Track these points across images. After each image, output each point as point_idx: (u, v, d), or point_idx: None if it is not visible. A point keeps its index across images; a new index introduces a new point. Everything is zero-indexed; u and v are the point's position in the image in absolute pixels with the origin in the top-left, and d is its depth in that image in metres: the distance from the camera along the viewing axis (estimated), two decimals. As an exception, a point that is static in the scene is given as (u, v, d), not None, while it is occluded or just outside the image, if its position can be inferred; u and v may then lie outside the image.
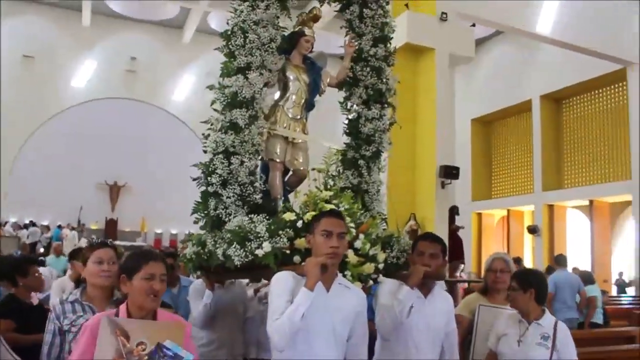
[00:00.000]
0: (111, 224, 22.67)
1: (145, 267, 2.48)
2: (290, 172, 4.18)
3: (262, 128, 3.88)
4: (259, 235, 3.18)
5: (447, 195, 11.24)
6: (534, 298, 3.45)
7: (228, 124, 3.66)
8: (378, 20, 4.43)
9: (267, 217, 3.38)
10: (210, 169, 3.63)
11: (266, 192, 3.94)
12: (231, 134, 3.63)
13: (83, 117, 21.32)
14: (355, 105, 4.33)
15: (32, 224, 20.37)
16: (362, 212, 3.80)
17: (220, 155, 3.62)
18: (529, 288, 3.44)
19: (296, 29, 4.27)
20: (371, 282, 3.38)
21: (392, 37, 4.50)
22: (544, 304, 3.55)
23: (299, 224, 3.31)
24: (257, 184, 3.75)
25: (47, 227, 20.87)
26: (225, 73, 3.81)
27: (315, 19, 4.33)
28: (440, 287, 3.36)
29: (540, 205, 18.90)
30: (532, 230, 19.00)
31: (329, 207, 3.39)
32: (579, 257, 16.70)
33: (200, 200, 3.74)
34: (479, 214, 21.46)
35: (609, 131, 17.88)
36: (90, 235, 19.68)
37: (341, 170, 4.20)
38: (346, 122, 4.43)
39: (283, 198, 3.99)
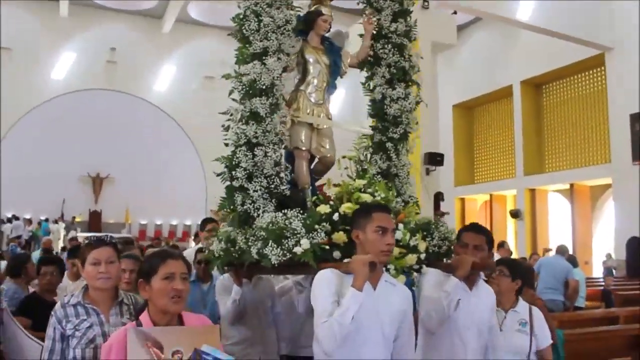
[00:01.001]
0: (95, 216, 22.34)
1: (162, 267, 2.29)
2: (316, 160, 3.96)
3: (285, 116, 3.63)
4: (296, 231, 2.97)
5: (432, 182, 11.41)
6: (517, 289, 3.44)
7: (248, 113, 3.43)
8: None
9: (300, 211, 3.16)
10: (233, 163, 3.41)
11: (292, 183, 3.73)
12: (252, 124, 3.41)
13: (63, 109, 21.01)
14: (378, 86, 4.07)
15: (15, 217, 20.20)
16: (396, 198, 3.62)
17: (243, 148, 3.40)
18: (517, 278, 3.42)
19: (312, 9, 3.99)
20: (415, 274, 3.18)
21: (412, 11, 4.28)
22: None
23: (335, 216, 3.11)
24: (283, 175, 3.53)
25: (30, 221, 20.70)
26: (240, 60, 3.56)
27: None
28: (482, 279, 3.18)
29: (522, 189, 19.08)
30: (515, 214, 19.22)
31: (364, 197, 3.20)
32: (560, 240, 16.96)
33: (225, 196, 3.50)
34: (462, 199, 21.59)
35: (588, 116, 18.09)
36: (76, 228, 19.58)
37: (369, 156, 3.99)
38: (369, 103, 4.19)
39: (311, 187, 3.80)
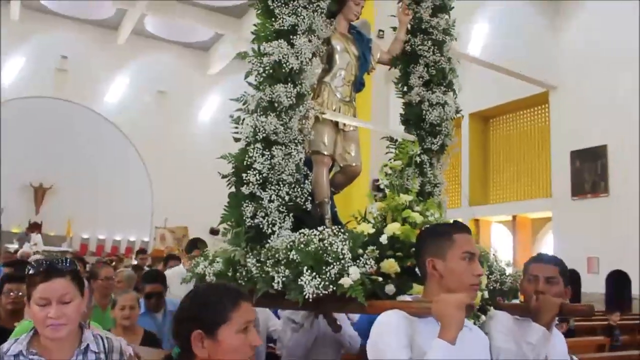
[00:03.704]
0: (35, 227, 21.65)
1: (236, 314, 1.55)
2: (337, 169, 3.27)
3: (312, 110, 2.91)
4: (340, 256, 2.20)
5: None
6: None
7: (268, 103, 2.69)
8: None
9: (341, 230, 2.37)
10: (245, 163, 2.64)
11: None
12: (273, 116, 2.66)
13: (8, 115, 20.14)
14: (415, 87, 3.44)
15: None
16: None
17: (259, 145, 2.64)
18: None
19: None
20: (483, 317, 2.43)
21: (453, 7, 3.72)
22: None
23: (383, 239, 2.37)
24: (306, 185, 2.79)
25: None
26: (262, 37, 2.85)
27: None
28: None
29: (467, 219, 19.43)
30: (459, 243, 19.55)
31: (415, 216, 2.50)
32: (501, 270, 17.25)
33: (228, 206, 2.73)
34: (409, 226, 21.87)
35: (532, 150, 18.49)
36: (12, 239, 18.71)
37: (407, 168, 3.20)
38: (402, 107, 3.55)
39: (330, 202, 3.08)
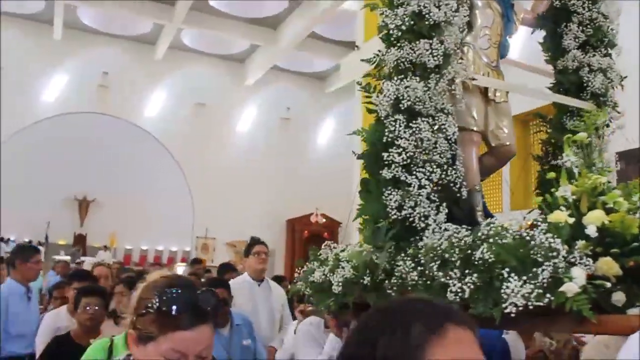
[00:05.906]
0: (80, 240, 21.65)
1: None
2: (487, 150, 2.67)
3: (461, 73, 2.27)
4: (553, 253, 1.57)
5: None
6: None
7: (410, 63, 2.08)
8: None
9: (539, 219, 1.80)
10: (385, 140, 2.04)
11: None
12: (417, 80, 2.05)
13: (53, 131, 20.47)
14: (572, 49, 2.86)
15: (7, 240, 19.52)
16: None
17: (401, 116, 2.03)
18: None
19: None
20: None
21: None
22: None
23: (591, 230, 1.69)
24: (458, 166, 2.17)
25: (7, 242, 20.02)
26: None
27: None
28: None
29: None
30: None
31: (621, 202, 1.83)
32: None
33: (363, 195, 2.15)
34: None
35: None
36: (59, 251, 19.15)
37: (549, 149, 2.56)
38: (556, 74, 3.04)
39: (480, 191, 2.48)
